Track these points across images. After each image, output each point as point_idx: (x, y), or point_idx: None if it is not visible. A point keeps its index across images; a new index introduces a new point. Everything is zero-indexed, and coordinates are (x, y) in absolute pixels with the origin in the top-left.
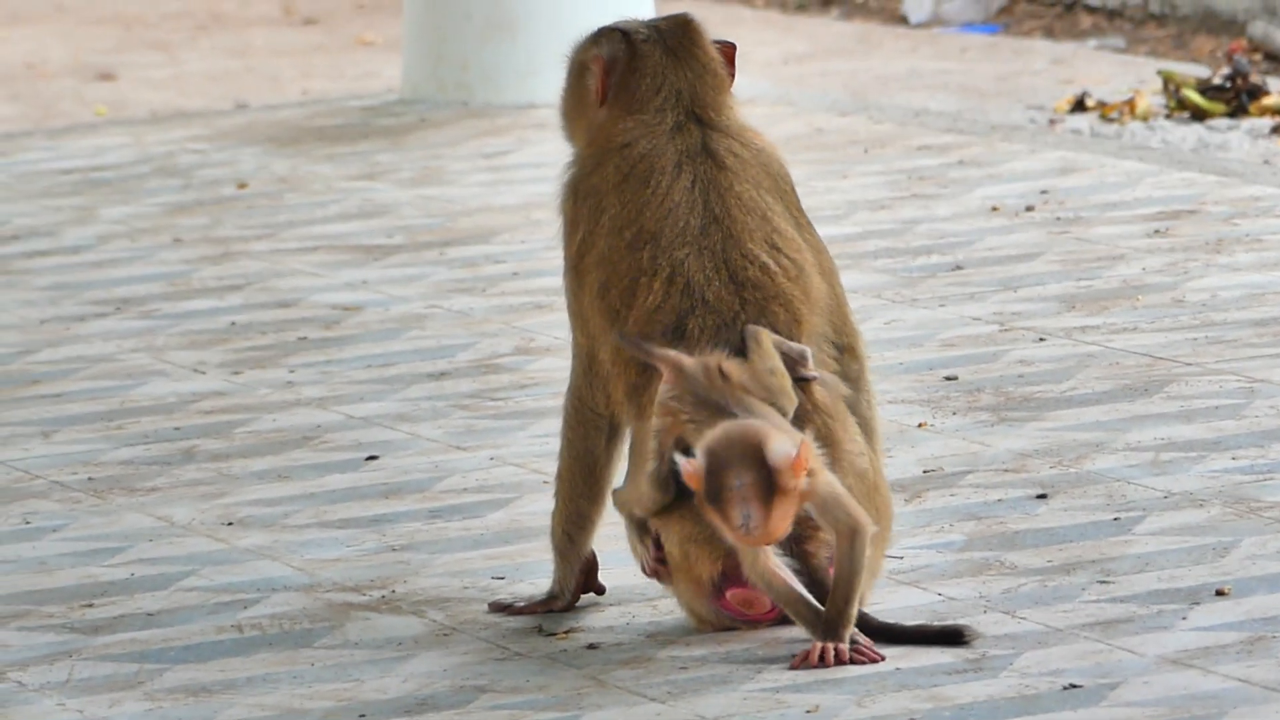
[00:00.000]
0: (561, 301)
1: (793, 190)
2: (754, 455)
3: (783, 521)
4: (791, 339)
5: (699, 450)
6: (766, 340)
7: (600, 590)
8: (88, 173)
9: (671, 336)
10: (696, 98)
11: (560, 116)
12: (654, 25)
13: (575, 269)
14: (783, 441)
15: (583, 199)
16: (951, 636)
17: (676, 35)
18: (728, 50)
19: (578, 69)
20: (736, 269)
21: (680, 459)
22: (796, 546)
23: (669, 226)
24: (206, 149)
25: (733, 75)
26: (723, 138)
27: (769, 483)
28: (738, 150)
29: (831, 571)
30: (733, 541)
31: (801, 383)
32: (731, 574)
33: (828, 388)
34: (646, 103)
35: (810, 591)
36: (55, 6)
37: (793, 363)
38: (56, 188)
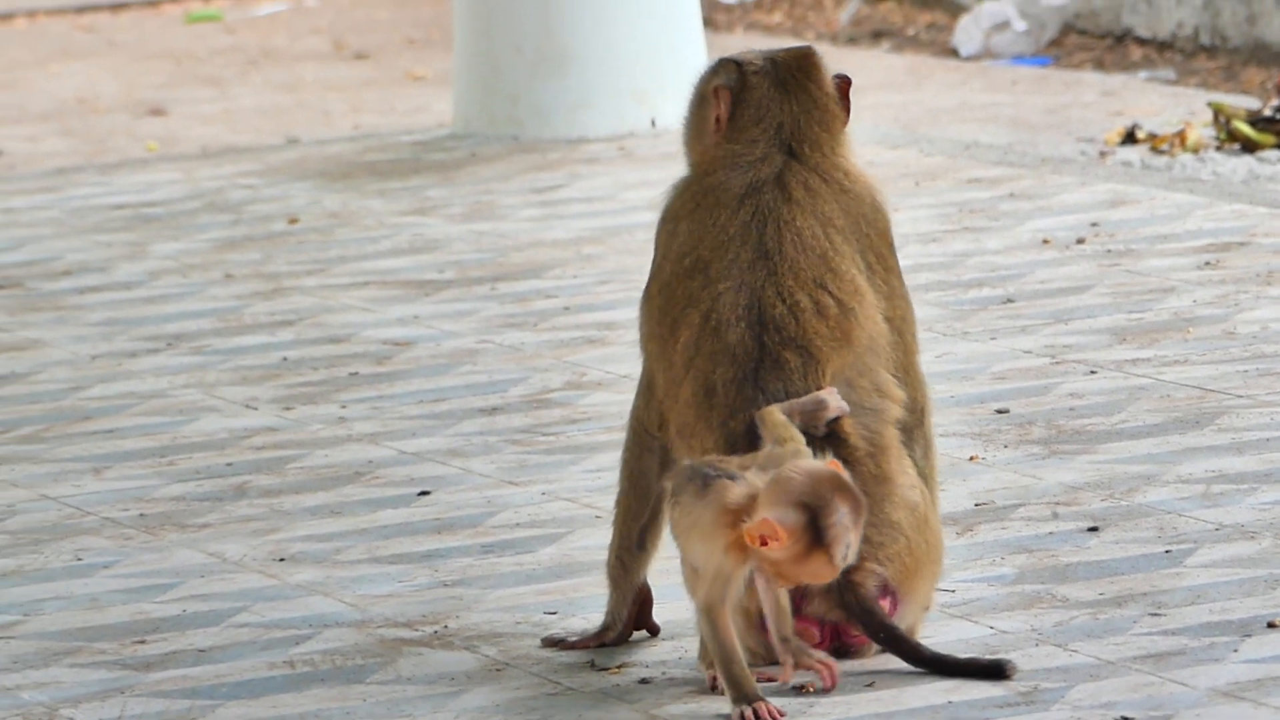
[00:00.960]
0: (613, 335)
1: (880, 235)
2: (841, 485)
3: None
4: (808, 382)
5: (780, 508)
6: (771, 417)
7: (654, 630)
8: (139, 208)
9: (704, 397)
10: (797, 131)
11: (682, 145)
12: (770, 57)
13: (646, 291)
14: (848, 474)
15: (664, 224)
16: (995, 670)
17: (790, 68)
18: (843, 85)
19: (696, 99)
20: (766, 306)
21: (763, 525)
22: (843, 577)
23: (720, 257)
24: (257, 184)
25: (847, 111)
26: (805, 171)
27: (860, 509)
28: (815, 185)
29: (884, 603)
30: (792, 583)
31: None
32: None
33: (874, 418)
34: (744, 133)
35: (861, 621)
36: (107, 43)
37: (811, 415)
38: (108, 223)
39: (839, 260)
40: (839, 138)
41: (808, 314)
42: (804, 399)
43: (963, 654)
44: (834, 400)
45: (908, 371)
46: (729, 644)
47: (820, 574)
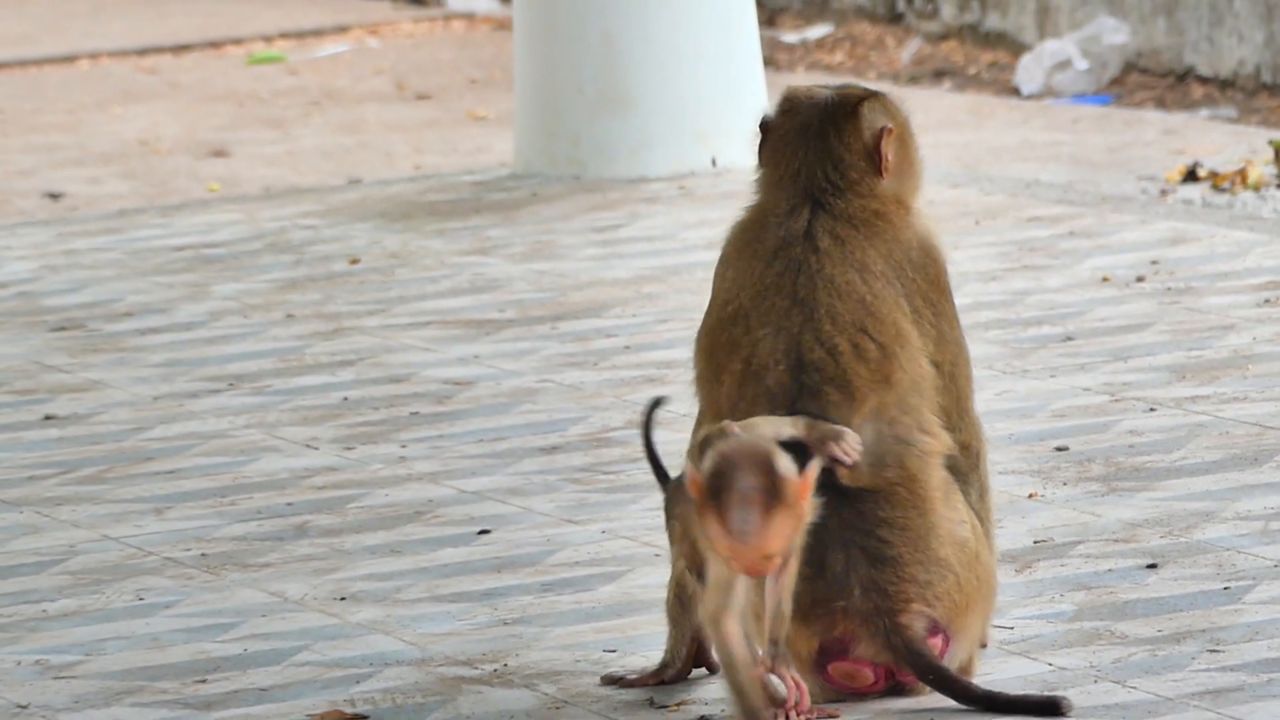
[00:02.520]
0: (673, 374)
1: (929, 281)
2: (763, 462)
3: (776, 539)
4: (844, 418)
5: (708, 455)
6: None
7: (713, 668)
8: (200, 249)
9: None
10: (816, 179)
11: None
12: (810, 96)
13: (698, 332)
14: (789, 460)
15: (718, 265)
16: (1049, 707)
17: (819, 111)
18: (877, 136)
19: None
20: (805, 351)
21: (688, 466)
22: (890, 620)
23: (759, 306)
24: (318, 224)
25: (878, 157)
26: (832, 221)
27: (773, 492)
28: (844, 233)
29: (935, 641)
30: (724, 558)
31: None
32: (831, 648)
33: (917, 454)
34: (770, 175)
35: (909, 662)
36: (169, 84)
37: (823, 441)
38: (170, 264)
39: (878, 305)
40: (870, 184)
41: (847, 356)
42: (831, 425)
43: (1020, 691)
44: (852, 441)
45: (961, 416)
46: (733, 652)
47: (723, 544)
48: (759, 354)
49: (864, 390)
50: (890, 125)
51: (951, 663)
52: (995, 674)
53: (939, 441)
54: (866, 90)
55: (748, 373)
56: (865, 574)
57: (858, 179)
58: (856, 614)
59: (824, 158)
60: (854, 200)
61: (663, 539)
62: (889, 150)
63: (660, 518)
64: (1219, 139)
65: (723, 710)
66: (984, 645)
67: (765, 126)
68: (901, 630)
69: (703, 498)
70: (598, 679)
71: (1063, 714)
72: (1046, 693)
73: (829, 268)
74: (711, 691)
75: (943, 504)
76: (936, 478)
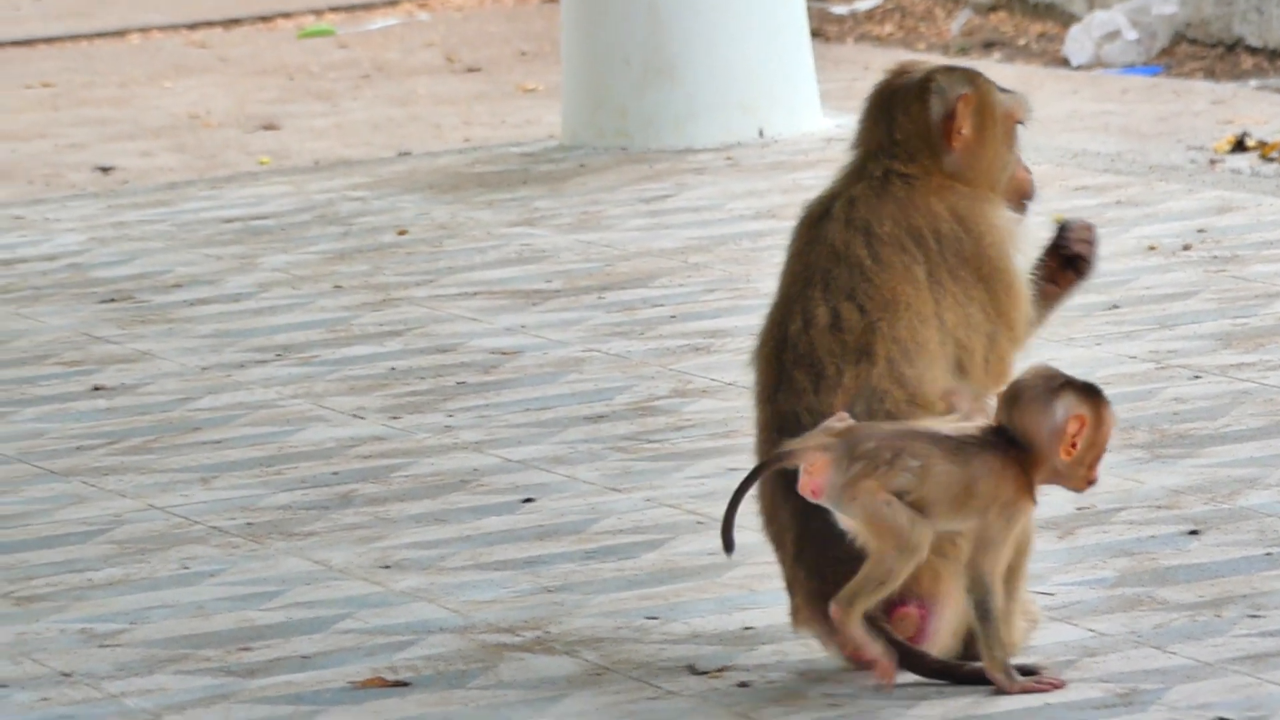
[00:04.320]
0: (719, 343)
1: (958, 254)
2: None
3: None
4: (820, 398)
5: (1059, 402)
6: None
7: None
8: (249, 221)
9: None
10: (870, 148)
11: None
12: (891, 76)
13: None
14: None
15: None
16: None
17: (888, 91)
18: (953, 102)
19: None
20: (788, 323)
21: (1072, 421)
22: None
23: (784, 277)
24: (367, 196)
25: (947, 127)
26: (862, 187)
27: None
28: (860, 195)
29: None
30: (1083, 479)
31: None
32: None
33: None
34: (852, 146)
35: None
36: (219, 58)
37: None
38: (218, 236)
39: (877, 270)
40: (923, 154)
41: (820, 328)
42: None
43: (1062, 657)
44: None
45: (976, 378)
46: (998, 599)
47: (1113, 424)
48: (764, 330)
49: (836, 368)
50: (968, 92)
51: (936, 633)
52: (1036, 640)
53: (929, 415)
54: (958, 67)
55: (760, 349)
56: (810, 558)
57: (913, 148)
58: (802, 591)
59: (886, 126)
60: (892, 164)
61: (706, 506)
62: (964, 120)
63: (704, 485)
64: (1268, 109)
65: (763, 678)
66: (1034, 621)
67: (866, 98)
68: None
69: (1093, 416)
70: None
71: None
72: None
73: (833, 232)
74: (753, 658)
75: None
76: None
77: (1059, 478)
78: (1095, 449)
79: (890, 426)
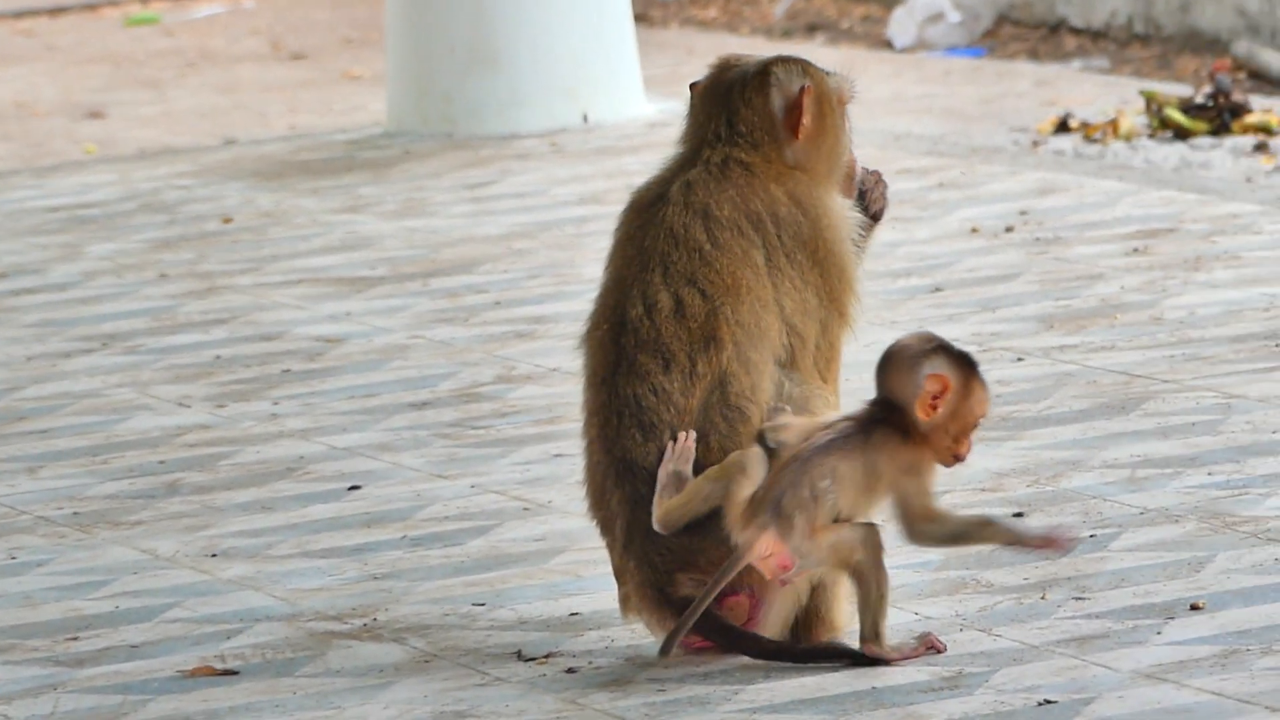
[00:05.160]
0: (543, 329)
1: (796, 239)
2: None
3: None
4: (670, 379)
5: (926, 363)
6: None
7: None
8: (75, 210)
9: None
10: (705, 136)
11: None
12: (728, 65)
13: None
14: None
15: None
16: (845, 653)
17: (733, 80)
18: (796, 93)
19: None
20: (627, 307)
21: (930, 380)
22: (662, 589)
23: (614, 262)
24: (192, 184)
25: (793, 117)
26: (697, 172)
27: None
28: (697, 180)
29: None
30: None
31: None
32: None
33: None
34: (681, 136)
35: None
36: (46, 46)
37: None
38: (44, 225)
39: (716, 254)
40: (762, 142)
41: (664, 314)
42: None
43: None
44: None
45: (805, 368)
46: (964, 520)
47: (984, 402)
48: (596, 313)
49: (685, 354)
50: (808, 84)
51: (766, 621)
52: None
53: (760, 409)
54: (794, 58)
55: (589, 333)
56: (639, 546)
57: (756, 138)
58: (632, 580)
59: (721, 115)
60: (731, 152)
61: (532, 493)
62: (807, 111)
63: (529, 472)
64: (1091, 90)
65: (590, 664)
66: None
67: (691, 88)
68: (672, 596)
69: (958, 378)
70: (467, 632)
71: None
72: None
73: (671, 215)
74: (579, 644)
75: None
76: (749, 443)
77: (929, 447)
78: (960, 420)
79: (780, 466)
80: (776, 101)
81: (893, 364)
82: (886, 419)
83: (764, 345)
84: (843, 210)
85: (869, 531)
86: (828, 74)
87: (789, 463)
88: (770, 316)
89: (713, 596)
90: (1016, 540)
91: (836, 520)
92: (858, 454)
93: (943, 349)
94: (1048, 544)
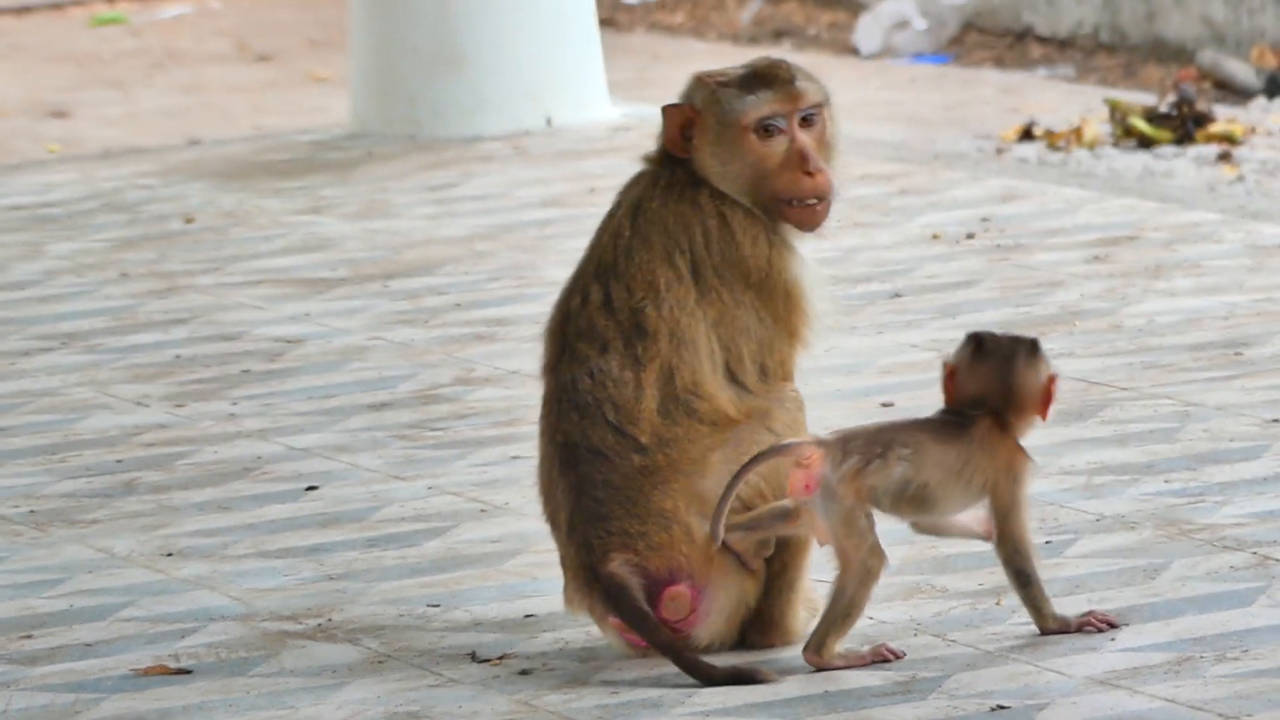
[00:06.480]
0: (503, 331)
1: (723, 257)
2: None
3: None
4: (605, 360)
5: (1040, 365)
6: None
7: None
8: (36, 209)
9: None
10: (660, 150)
11: None
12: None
13: None
14: None
15: None
16: (748, 677)
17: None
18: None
19: None
20: (571, 300)
21: (1052, 383)
22: (596, 571)
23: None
24: (155, 184)
25: (670, 133)
26: (651, 185)
27: None
28: (649, 193)
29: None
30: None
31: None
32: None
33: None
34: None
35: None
36: (11, 45)
37: None
38: (4, 224)
39: (643, 254)
40: (674, 164)
41: (594, 306)
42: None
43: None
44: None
45: (755, 391)
46: (1036, 563)
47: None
48: (552, 309)
49: (618, 340)
50: (688, 104)
51: (708, 614)
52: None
53: (706, 402)
54: (707, 75)
55: (545, 329)
56: (581, 532)
57: (669, 155)
58: (573, 569)
59: (662, 132)
60: (683, 165)
61: (489, 494)
62: (691, 129)
63: (486, 474)
64: (1056, 98)
65: (544, 665)
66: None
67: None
68: (607, 580)
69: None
70: (421, 633)
71: (761, 682)
72: (748, 664)
73: (620, 220)
74: (534, 645)
75: (695, 462)
76: (692, 435)
77: (1020, 448)
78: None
79: (874, 425)
80: (671, 119)
81: (1016, 363)
82: (977, 417)
83: (689, 349)
84: (767, 234)
85: (875, 561)
86: (747, 95)
87: (884, 422)
88: (695, 322)
89: (741, 481)
90: (1056, 626)
91: (907, 495)
92: (955, 443)
93: (1036, 346)
94: (1073, 629)
